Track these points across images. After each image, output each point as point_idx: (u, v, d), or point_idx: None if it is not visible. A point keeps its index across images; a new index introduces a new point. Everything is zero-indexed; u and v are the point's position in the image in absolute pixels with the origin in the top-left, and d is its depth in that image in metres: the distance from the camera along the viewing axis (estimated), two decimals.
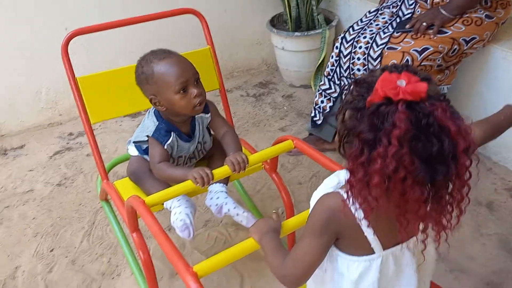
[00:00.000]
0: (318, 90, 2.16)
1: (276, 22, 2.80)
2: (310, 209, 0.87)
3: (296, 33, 2.59)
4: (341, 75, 2.05)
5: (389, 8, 2.08)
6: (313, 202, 0.87)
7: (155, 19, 1.56)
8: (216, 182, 1.41)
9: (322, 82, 2.14)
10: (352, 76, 2.00)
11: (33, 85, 2.60)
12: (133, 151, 1.50)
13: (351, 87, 0.76)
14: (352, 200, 0.74)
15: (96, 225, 1.95)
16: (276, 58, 2.85)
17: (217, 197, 1.39)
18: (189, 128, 1.44)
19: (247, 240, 1.02)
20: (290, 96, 2.77)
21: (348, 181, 0.73)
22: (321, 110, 2.16)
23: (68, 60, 1.45)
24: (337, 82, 2.08)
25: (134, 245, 1.69)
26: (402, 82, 0.67)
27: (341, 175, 0.84)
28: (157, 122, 1.38)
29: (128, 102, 1.55)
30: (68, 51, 1.47)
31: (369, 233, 0.81)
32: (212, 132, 1.53)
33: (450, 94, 2.16)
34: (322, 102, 2.15)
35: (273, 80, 2.97)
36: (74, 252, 1.82)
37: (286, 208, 1.52)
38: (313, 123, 2.20)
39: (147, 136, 1.39)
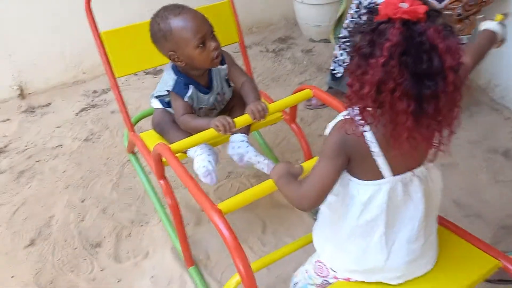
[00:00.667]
0: (338, 43, 2.17)
1: None
2: (327, 131, 0.93)
3: None
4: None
5: None
6: (328, 130, 0.92)
7: None
8: (237, 132, 1.47)
9: (342, 35, 2.13)
10: None
11: (57, 44, 2.66)
12: (156, 104, 1.56)
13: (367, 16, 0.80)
14: (352, 114, 0.80)
15: (124, 177, 2.04)
16: (296, 13, 2.84)
17: (238, 146, 1.45)
18: (207, 80, 1.48)
19: (267, 181, 1.08)
20: (309, 51, 2.77)
21: (347, 96, 0.78)
22: (341, 63, 2.16)
23: (92, 15, 1.49)
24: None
25: (161, 194, 1.81)
26: (404, 5, 0.72)
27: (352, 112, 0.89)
28: (176, 77, 1.43)
29: (150, 56, 1.59)
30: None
31: (380, 158, 0.86)
32: (231, 84, 1.56)
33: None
34: (341, 54, 2.16)
35: (293, 35, 2.96)
36: (104, 202, 1.92)
37: (305, 158, 1.57)
38: (333, 76, 2.22)
39: (168, 90, 1.44)
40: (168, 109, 1.53)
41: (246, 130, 1.50)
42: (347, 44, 2.12)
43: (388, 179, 0.89)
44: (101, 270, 1.65)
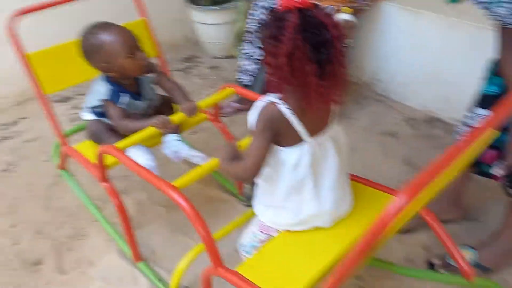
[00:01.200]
0: (241, 55, 2.42)
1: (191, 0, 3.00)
2: (250, 119, 1.13)
3: (214, 7, 2.82)
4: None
5: None
6: (251, 114, 1.12)
7: None
8: (169, 134, 1.63)
9: (244, 47, 2.40)
10: None
11: None
12: (88, 116, 1.66)
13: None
14: (272, 88, 1.03)
15: (53, 198, 2.07)
16: (197, 33, 3.06)
17: (173, 145, 1.61)
18: (137, 88, 1.63)
19: (213, 159, 1.26)
20: (216, 67, 3.01)
21: (267, 72, 1.01)
22: (247, 72, 2.42)
23: (15, 38, 1.58)
24: (257, 44, 2.35)
25: (99, 203, 1.89)
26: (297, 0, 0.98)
27: (266, 98, 1.12)
28: (109, 86, 1.56)
29: (76, 73, 1.71)
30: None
31: (297, 125, 1.08)
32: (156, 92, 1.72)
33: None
34: (245, 65, 2.42)
35: (197, 54, 3.18)
36: (37, 224, 1.94)
37: None
38: (241, 85, 2.46)
39: (102, 100, 1.56)
40: (102, 118, 1.64)
41: (177, 131, 1.67)
42: (250, 55, 2.39)
43: (308, 142, 1.11)
44: (46, 284, 1.68)
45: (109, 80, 1.58)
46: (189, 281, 1.60)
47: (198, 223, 1.11)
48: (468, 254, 1.59)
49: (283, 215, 1.21)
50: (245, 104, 2.50)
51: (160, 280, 1.59)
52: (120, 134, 1.58)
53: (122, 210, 1.50)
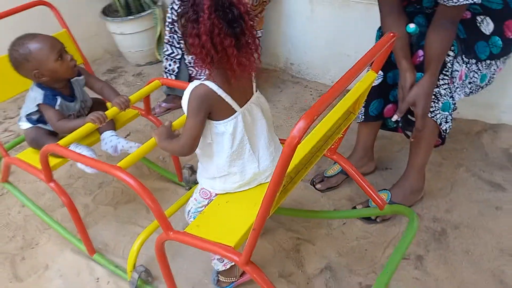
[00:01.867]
0: (164, 56, 2.58)
1: (107, 13, 3.10)
2: (183, 103, 1.28)
3: (130, 17, 2.95)
4: (180, 38, 2.49)
5: None
6: (183, 98, 1.28)
7: (13, 14, 1.81)
8: (105, 131, 1.75)
9: (165, 49, 2.55)
10: None
11: None
12: (25, 125, 1.75)
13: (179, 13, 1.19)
14: (199, 67, 1.19)
15: None
16: (117, 44, 3.17)
17: (110, 140, 1.73)
18: (70, 91, 1.74)
19: (151, 139, 1.40)
20: (140, 74, 3.13)
21: (192, 54, 1.16)
22: (171, 72, 2.57)
23: None
24: (177, 45, 2.52)
25: (47, 208, 1.95)
26: None
27: (193, 83, 1.28)
28: (43, 91, 1.66)
29: (7, 88, 1.79)
30: None
31: (228, 99, 1.24)
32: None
33: (266, 37, 2.77)
34: (170, 65, 2.57)
35: (120, 64, 3.28)
36: None
37: None
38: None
39: (38, 104, 1.66)
40: (39, 125, 1.73)
41: (113, 127, 1.80)
42: (172, 56, 2.54)
43: (238, 111, 1.27)
44: None
45: (42, 86, 1.68)
46: (145, 262, 1.72)
47: (145, 195, 1.21)
48: (384, 195, 1.85)
49: (231, 180, 1.36)
50: (173, 102, 2.66)
51: (117, 266, 1.71)
52: (59, 137, 1.69)
53: (72, 206, 1.60)
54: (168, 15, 2.48)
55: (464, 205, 1.88)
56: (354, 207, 1.88)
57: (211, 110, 1.25)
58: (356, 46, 2.45)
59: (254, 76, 1.31)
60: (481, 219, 1.81)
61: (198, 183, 1.87)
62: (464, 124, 2.27)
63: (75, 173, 2.30)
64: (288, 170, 0.94)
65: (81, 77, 1.77)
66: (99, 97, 1.87)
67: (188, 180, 2.03)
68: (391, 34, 1.14)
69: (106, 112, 1.58)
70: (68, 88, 1.73)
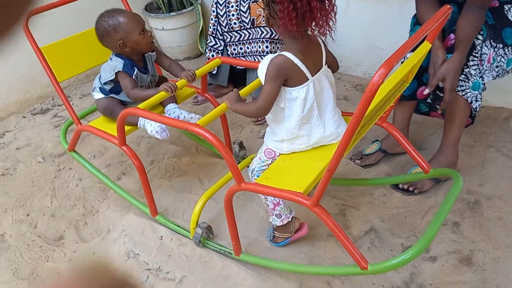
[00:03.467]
0: (207, 47, 2.76)
1: (149, 10, 3.31)
2: (260, 72, 1.45)
3: (172, 13, 3.15)
4: (223, 31, 2.68)
5: None
6: (260, 70, 1.45)
7: None
8: (168, 104, 1.93)
9: (209, 40, 2.74)
10: (231, 29, 2.64)
11: None
12: (98, 95, 1.94)
13: None
14: (286, 34, 1.36)
15: (58, 189, 2.28)
16: (157, 39, 3.37)
17: (173, 111, 1.90)
18: (143, 64, 1.93)
19: (222, 104, 1.56)
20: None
21: (281, 25, 1.34)
22: None
23: (30, 34, 1.83)
24: (220, 37, 2.71)
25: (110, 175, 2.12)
26: None
27: (269, 56, 1.44)
28: (123, 60, 1.85)
29: (83, 62, 1.98)
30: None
31: (303, 67, 1.40)
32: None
33: None
34: (212, 55, 2.76)
35: None
36: (49, 210, 2.15)
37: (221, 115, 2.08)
38: (210, 73, 2.79)
39: (117, 72, 1.83)
40: (112, 95, 1.92)
41: (175, 101, 1.97)
42: (215, 47, 2.73)
43: (310, 79, 1.43)
44: (73, 252, 1.91)
45: (122, 56, 1.86)
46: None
47: (222, 149, 1.36)
48: (419, 170, 2.00)
49: (298, 141, 1.51)
50: (215, 91, 2.84)
51: (179, 226, 1.87)
52: (128, 107, 1.87)
53: (141, 169, 1.77)
54: (213, 9, 2.68)
55: (495, 180, 2.02)
56: (396, 185, 2.02)
57: (288, 77, 1.40)
58: (390, 40, 2.63)
59: (324, 49, 1.47)
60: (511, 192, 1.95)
61: (245, 157, 2.05)
62: (492, 110, 2.43)
63: None
64: (367, 111, 1.10)
65: (154, 53, 1.96)
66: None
67: (238, 155, 2.19)
68: (448, 7, 1.30)
69: (177, 82, 1.75)
70: (142, 61, 1.92)
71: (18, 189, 2.32)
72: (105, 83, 1.91)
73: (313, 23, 1.34)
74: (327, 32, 1.36)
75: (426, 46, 1.44)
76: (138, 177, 2.24)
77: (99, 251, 1.89)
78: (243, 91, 1.64)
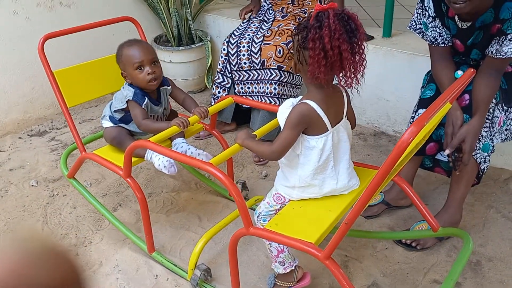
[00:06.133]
0: (214, 84, 2.77)
1: (158, 42, 3.33)
2: (280, 116, 1.44)
3: (181, 47, 3.17)
4: (231, 69, 2.70)
5: (256, 18, 2.80)
6: (280, 113, 1.44)
7: (104, 25, 2.02)
8: (176, 138, 1.90)
9: (217, 77, 2.75)
10: (240, 68, 2.66)
11: None
12: (107, 124, 1.91)
13: (295, 32, 1.38)
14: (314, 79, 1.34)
15: (50, 215, 2.21)
16: (163, 71, 3.36)
17: (181, 146, 1.88)
18: (157, 96, 1.92)
19: (235, 145, 1.53)
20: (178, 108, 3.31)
21: (309, 71, 1.33)
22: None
23: (45, 57, 1.82)
24: (228, 75, 2.72)
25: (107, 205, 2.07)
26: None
27: (289, 101, 1.45)
28: (134, 89, 1.83)
29: (95, 89, 1.97)
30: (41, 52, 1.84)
31: (325, 118, 1.39)
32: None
33: None
34: (219, 92, 2.76)
35: None
36: None
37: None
38: None
39: (128, 100, 1.82)
40: (121, 124, 1.89)
41: (183, 135, 1.95)
42: (222, 84, 2.74)
43: (330, 130, 1.42)
44: None
45: (133, 86, 1.86)
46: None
47: (234, 192, 1.33)
48: (423, 225, 1.99)
49: (309, 191, 1.49)
50: (217, 127, 2.82)
51: (175, 265, 1.81)
52: (136, 139, 1.85)
53: (144, 203, 1.72)
54: (224, 47, 2.70)
55: (496, 241, 2.01)
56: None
57: (308, 125, 1.40)
58: (396, 92, 2.66)
59: (347, 101, 1.47)
60: None
61: (248, 198, 2.02)
62: (493, 171, 2.44)
63: (124, 182, 2.42)
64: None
65: (169, 87, 1.95)
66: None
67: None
68: (472, 70, 1.32)
69: (189, 119, 1.73)
70: (156, 93, 1.92)
71: (8, 213, 2.24)
72: (115, 111, 1.89)
73: (341, 73, 1.34)
74: (353, 84, 1.36)
75: (447, 107, 1.45)
76: (135, 209, 2.21)
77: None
78: (258, 132, 1.62)
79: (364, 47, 1.34)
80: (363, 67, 1.35)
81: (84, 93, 1.98)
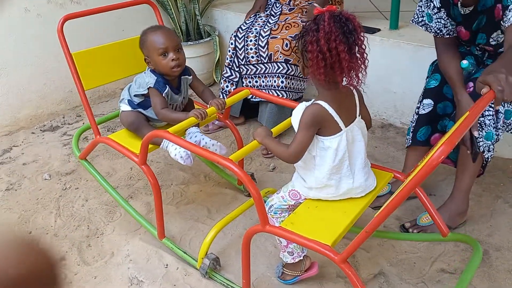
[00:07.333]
0: (223, 78, 2.80)
1: None
2: (294, 119, 1.44)
3: (190, 42, 3.20)
4: (239, 63, 2.72)
5: (263, 12, 2.82)
6: (294, 115, 1.45)
7: (122, 7, 2.07)
8: (191, 127, 1.92)
9: (225, 71, 2.78)
10: (248, 62, 2.68)
11: None
12: (126, 107, 1.94)
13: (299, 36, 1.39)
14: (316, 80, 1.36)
15: (63, 208, 2.25)
16: None
17: (195, 135, 1.89)
18: (178, 85, 1.94)
19: (253, 141, 1.54)
20: (191, 95, 3.34)
21: (309, 60, 1.34)
22: (228, 93, 2.78)
23: (64, 39, 1.87)
24: (236, 69, 2.75)
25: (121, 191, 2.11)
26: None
27: (303, 104, 1.45)
28: (156, 77, 1.86)
29: (113, 72, 2.04)
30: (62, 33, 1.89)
31: (337, 118, 1.40)
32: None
33: None
34: (227, 86, 2.79)
35: None
36: (52, 229, 2.12)
37: (238, 143, 2.08)
38: None
39: (149, 87, 1.84)
40: (139, 109, 1.92)
41: (197, 125, 1.95)
42: (230, 78, 2.76)
43: (344, 130, 1.42)
44: (74, 275, 1.87)
45: (156, 72, 1.88)
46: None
47: (251, 185, 1.33)
48: (428, 217, 2.00)
49: (326, 191, 1.50)
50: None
51: (185, 252, 1.84)
52: (152, 125, 1.89)
53: (157, 188, 1.74)
54: (232, 41, 2.72)
55: (504, 231, 2.01)
56: (404, 226, 2.02)
57: (321, 126, 1.41)
58: (403, 84, 2.67)
59: (358, 99, 1.48)
60: None
61: None
62: (501, 162, 2.44)
63: (135, 175, 2.46)
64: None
65: (190, 77, 1.98)
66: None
67: None
68: (493, 94, 1.30)
69: (207, 110, 1.75)
70: (176, 81, 1.94)
71: (22, 206, 2.29)
72: (135, 95, 1.91)
73: (343, 74, 1.34)
74: (356, 83, 1.37)
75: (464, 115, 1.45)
76: (145, 201, 2.25)
77: (100, 276, 1.85)
78: (274, 130, 1.63)
79: (365, 47, 1.35)
80: (364, 66, 1.35)
81: (101, 76, 2.02)
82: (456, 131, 1.10)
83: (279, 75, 2.58)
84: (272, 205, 1.59)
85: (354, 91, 1.48)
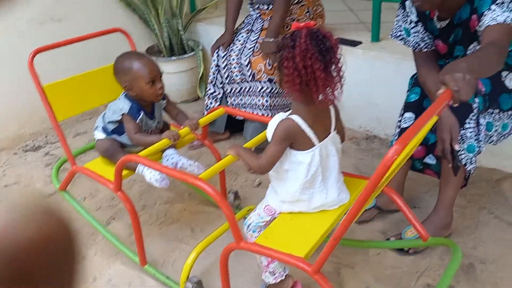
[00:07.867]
0: (206, 95, 2.78)
1: (150, 53, 3.35)
2: (269, 130, 1.44)
3: (173, 58, 3.19)
4: (222, 81, 2.71)
5: (244, 28, 2.80)
6: (269, 127, 1.45)
7: (94, 37, 2.05)
8: (167, 149, 1.91)
9: (208, 88, 2.77)
10: (232, 80, 2.67)
11: None
12: (100, 135, 1.93)
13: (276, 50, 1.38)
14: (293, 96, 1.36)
15: None
16: None
17: (172, 157, 1.89)
18: (151, 109, 1.95)
19: (227, 156, 1.54)
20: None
21: (285, 77, 1.32)
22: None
23: (34, 71, 1.85)
24: (219, 86, 2.73)
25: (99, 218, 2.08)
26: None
27: (280, 115, 1.46)
28: (130, 103, 1.86)
29: (86, 101, 2.01)
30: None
31: (310, 133, 1.39)
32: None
33: None
34: (211, 103, 2.77)
35: None
36: None
37: (217, 161, 2.06)
38: None
39: (123, 114, 1.84)
40: (113, 136, 1.92)
41: (174, 146, 1.95)
42: (214, 95, 2.75)
43: (317, 145, 1.42)
44: None
45: (130, 98, 1.88)
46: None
47: (222, 204, 1.33)
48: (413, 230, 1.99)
49: (299, 205, 1.49)
50: (210, 137, 2.83)
51: (168, 278, 1.81)
52: (127, 151, 1.89)
53: (134, 215, 1.73)
54: (214, 58, 2.71)
55: (489, 243, 2.01)
56: (388, 239, 2.01)
57: (294, 141, 1.41)
58: (385, 95, 2.67)
59: (333, 114, 1.48)
60: (505, 256, 1.94)
61: (241, 208, 2.03)
62: (485, 172, 2.45)
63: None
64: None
65: (164, 101, 1.97)
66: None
67: (232, 204, 2.17)
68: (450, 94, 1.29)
69: (179, 131, 1.76)
70: (150, 107, 1.95)
71: None
72: (109, 122, 1.91)
73: (318, 91, 1.33)
74: (332, 100, 1.36)
75: (433, 120, 1.45)
76: (128, 223, 2.21)
77: None
78: (250, 142, 1.64)
79: (342, 65, 1.34)
80: (340, 84, 1.35)
81: (74, 106, 2.01)
82: (410, 130, 1.08)
83: (263, 94, 2.57)
84: (250, 223, 1.59)
85: (330, 105, 1.47)
